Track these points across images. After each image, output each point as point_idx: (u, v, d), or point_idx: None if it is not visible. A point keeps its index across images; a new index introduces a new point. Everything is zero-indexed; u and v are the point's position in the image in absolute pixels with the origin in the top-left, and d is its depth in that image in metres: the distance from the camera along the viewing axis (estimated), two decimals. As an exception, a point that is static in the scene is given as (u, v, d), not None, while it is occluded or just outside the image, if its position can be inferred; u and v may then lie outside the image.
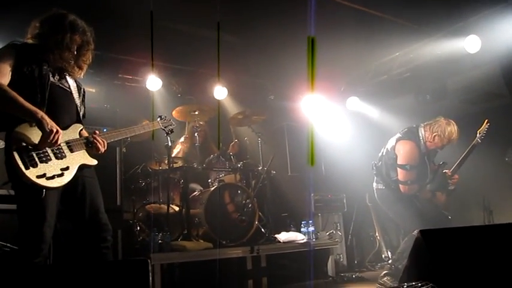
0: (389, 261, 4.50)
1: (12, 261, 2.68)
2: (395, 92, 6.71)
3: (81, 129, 2.68)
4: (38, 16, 2.68)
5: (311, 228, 5.04)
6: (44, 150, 2.39)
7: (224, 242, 4.57)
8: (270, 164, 5.32)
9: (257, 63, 6.23)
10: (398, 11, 5.04)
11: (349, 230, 6.13)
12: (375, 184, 4.50)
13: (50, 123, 2.37)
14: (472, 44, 5.29)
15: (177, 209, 4.93)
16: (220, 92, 6.30)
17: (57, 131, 2.38)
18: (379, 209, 5.13)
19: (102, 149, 2.65)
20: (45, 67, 2.57)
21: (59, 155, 2.45)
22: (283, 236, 4.88)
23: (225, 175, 5.27)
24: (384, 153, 4.42)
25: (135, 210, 4.84)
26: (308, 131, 6.39)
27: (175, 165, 5.07)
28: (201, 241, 4.57)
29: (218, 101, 6.30)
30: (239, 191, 5.01)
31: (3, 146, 2.41)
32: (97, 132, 2.70)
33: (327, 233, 5.35)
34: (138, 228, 4.75)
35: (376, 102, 6.84)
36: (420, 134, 4.29)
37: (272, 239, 4.90)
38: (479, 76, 5.86)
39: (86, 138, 2.62)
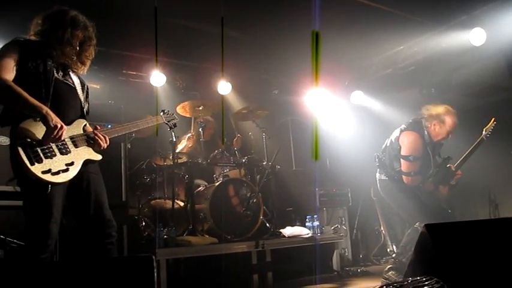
0: (394, 255, 4.50)
1: (19, 257, 2.70)
2: (400, 85, 6.69)
3: (85, 125, 2.69)
4: (40, 13, 2.69)
5: (316, 223, 5.04)
6: (49, 145, 2.40)
7: (229, 237, 4.59)
8: (275, 158, 5.32)
9: (261, 58, 6.22)
10: (403, 4, 5.01)
11: (354, 224, 6.13)
12: (377, 175, 4.49)
13: (54, 119, 2.37)
14: (477, 37, 5.26)
15: (182, 204, 4.95)
16: (224, 87, 6.30)
17: (61, 127, 2.38)
18: (384, 202, 5.13)
19: (104, 145, 2.65)
20: (49, 62, 2.57)
21: (64, 151, 2.45)
22: (288, 231, 4.89)
23: (229, 170, 5.27)
24: (388, 144, 4.41)
25: (140, 206, 4.86)
26: (312, 126, 6.39)
27: (179, 161, 5.08)
28: (206, 236, 4.59)
29: (222, 96, 6.30)
30: (244, 186, 5.01)
31: (8, 143, 2.42)
32: (98, 127, 2.71)
33: (332, 228, 5.35)
34: (144, 223, 4.77)
35: (381, 96, 6.81)
36: (424, 125, 4.28)
37: (277, 233, 4.91)
38: (484, 69, 5.83)
39: (87, 134, 2.62)
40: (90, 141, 2.62)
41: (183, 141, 5.77)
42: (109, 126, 2.83)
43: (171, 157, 4.89)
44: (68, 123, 2.54)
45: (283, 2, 4.93)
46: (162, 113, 3.35)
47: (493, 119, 4.38)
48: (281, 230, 4.92)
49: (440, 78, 6.22)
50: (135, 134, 4.98)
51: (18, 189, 3.16)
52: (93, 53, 2.81)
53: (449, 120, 4.21)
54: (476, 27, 5.24)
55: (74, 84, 2.73)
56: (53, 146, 2.42)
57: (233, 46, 5.42)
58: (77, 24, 2.68)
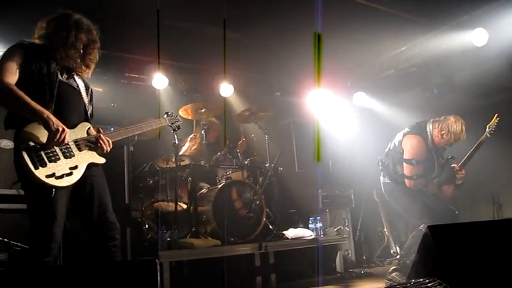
0: (398, 257, 4.50)
1: (23, 261, 2.71)
2: (402, 86, 6.68)
3: (89, 128, 2.69)
4: (44, 17, 2.70)
5: (319, 225, 5.04)
6: (53, 149, 2.40)
7: (232, 239, 4.59)
8: (277, 160, 5.32)
9: (263, 60, 6.22)
10: (404, 5, 5.01)
11: (357, 225, 6.12)
12: (381, 178, 4.50)
13: (56, 123, 2.37)
14: (479, 37, 5.25)
15: (185, 206, 4.95)
16: (226, 89, 6.30)
17: (63, 130, 2.39)
18: (387, 204, 5.12)
19: (107, 148, 2.66)
20: (53, 65, 2.58)
21: (68, 154, 2.46)
22: (291, 233, 4.89)
23: (232, 172, 5.27)
24: (391, 148, 4.41)
25: (143, 208, 4.87)
26: (315, 127, 6.38)
27: (182, 163, 5.09)
28: (209, 238, 4.59)
29: (224, 98, 6.31)
30: (247, 188, 5.01)
31: (11, 146, 2.43)
32: (101, 130, 2.71)
33: (335, 229, 5.34)
34: (147, 226, 4.78)
35: (383, 97, 6.80)
36: (428, 130, 4.27)
37: (280, 235, 4.91)
38: (486, 70, 5.81)
39: (90, 137, 2.62)
40: (94, 144, 2.62)
41: (186, 143, 5.78)
42: (111, 129, 2.83)
43: (173, 159, 4.90)
44: (72, 127, 2.55)
45: (285, 4, 4.93)
46: (165, 115, 3.35)
47: (496, 115, 4.37)
48: (284, 232, 4.92)
49: (442, 79, 6.20)
50: (137, 136, 4.98)
51: (21, 192, 3.18)
52: (97, 56, 2.82)
53: (457, 134, 4.19)
54: (478, 28, 5.23)
55: (78, 87, 2.73)
56: (57, 149, 2.43)
57: (235, 48, 5.43)
58: (81, 27, 2.69)
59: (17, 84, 2.41)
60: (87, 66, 2.80)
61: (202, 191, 5.15)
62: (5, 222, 3.63)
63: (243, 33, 5.61)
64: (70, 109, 2.62)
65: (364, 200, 6.19)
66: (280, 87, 7.04)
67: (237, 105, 6.56)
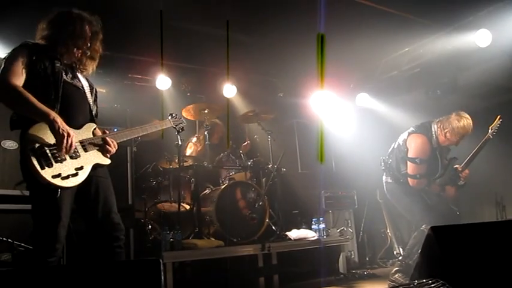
0: (400, 258, 4.49)
1: (27, 261, 2.71)
2: (405, 87, 6.67)
3: (95, 128, 2.69)
4: (43, 18, 2.70)
5: (322, 225, 5.04)
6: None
7: (235, 240, 4.59)
8: (280, 161, 5.32)
9: (266, 61, 6.23)
10: (408, 6, 5.00)
11: (360, 226, 6.12)
12: (384, 177, 4.50)
13: (61, 125, 2.37)
14: (482, 38, 5.24)
15: (188, 207, 4.96)
16: (229, 90, 6.31)
17: (68, 135, 2.38)
18: (390, 205, 5.12)
19: (113, 150, 2.66)
20: (57, 64, 2.58)
21: (73, 155, 2.45)
22: (294, 234, 4.89)
23: (235, 173, 5.28)
24: (395, 147, 4.41)
25: (147, 209, 4.88)
26: (318, 128, 6.38)
27: (185, 164, 5.10)
28: (212, 239, 4.60)
29: (227, 99, 6.32)
30: (250, 189, 5.02)
31: (15, 147, 2.44)
32: (107, 131, 2.72)
33: (338, 230, 5.33)
34: (150, 226, 4.78)
35: (386, 98, 6.80)
36: (433, 129, 4.26)
37: (283, 236, 4.91)
38: (490, 70, 5.80)
39: (96, 138, 2.63)
40: (100, 145, 2.63)
41: (190, 144, 5.79)
42: (115, 129, 2.84)
43: (177, 160, 4.91)
44: (78, 127, 2.55)
45: (288, 5, 4.93)
46: (170, 117, 3.34)
47: (498, 117, 4.36)
48: (287, 233, 4.92)
49: (446, 80, 6.19)
50: (141, 137, 4.98)
51: (25, 193, 3.19)
52: (100, 47, 2.81)
53: (461, 129, 4.18)
54: (482, 29, 5.22)
55: (82, 87, 2.73)
56: None
57: (238, 49, 5.44)
58: (84, 19, 2.71)
59: (23, 85, 2.42)
60: (93, 58, 2.80)
61: (206, 191, 5.15)
62: (8, 223, 3.64)
63: (247, 34, 5.62)
64: (75, 109, 2.62)
65: (367, 201, 6.18)
66: (283, 88, 7.04)
67: (240, 106, 6.57)
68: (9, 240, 3.44)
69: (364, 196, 6.18)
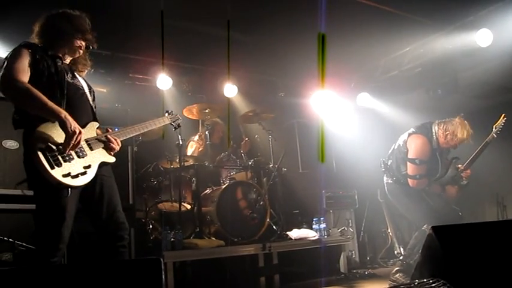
0: (401, 258, 4.49)
1: (29, 261, 2.71)
2: (406, 87, 6.67)
3: (98, 127, 2.69)
4: (36, 21, 2.70)
5: (323, 225, 5.04)
6: None
7: (236, 240, 4.59)
8: (281, 161, 5.32)
9: (267, 61, 6.23)
10: (408, 6, 5.00)
11: (361, 226, 6.12)
12: (385, 178, 4.50)
13: (73, 124, 2.36)
14: (483, 38, 5.24)
15: (189, 207, 4.96)
16: (230, 89, 6.31)
17: (79, 132, 2.38)
18: (391, 205, 5.12)
19: (117, 147, 2.67)
20: (59, 63, 2.59)
21: (81, 154, 2.45)
22: (294, 233, 4.89)
23: (236, 173, 5.27)
24: (395, 148, 4.41)
25: (147, 209, 4.88)
26: (318, 128, 6.39)
27: (186, 164, 5.10)
28: (213, 239, 4.60)
29: (228, 98, 6.32)
30: (250, 189, 5.02)
31: (16, 147, 2.43)
32: (109, 130, 2.72)
33: (339, 230, 5.34)
34: (151, 226, 4.79)
35: (387, 97, 6.80)
36: (433, 130, 4.25)
37: (284, 236, 4.91)
38: (491, 70, 5.80)
39: (100, 137, 2.63)
40: (104, 143, 2.63)
41: (191, 143, 5.79)
42: (116, 129, 2.84)
43: (177, 160, 4.91)
44: (82, 126, 2.54)
45: (289, 5, 4.93)
46: (166, 114, 3.36)
47: (503, 115, 4.34)
48: (288, 233, 4.92)
49: (446, 80, 6.18)
50: (141, 137, 5.00)
51: (26, 192, 3.19)
52: (95, 44, 2.81)
53: (462, 136, 4.18)
54: (483, 28, 5.22)
55: (82, 87, 2.74)
56: None
57: (239, 49, 5.44)
58: (79, 16, 2.73)
59: (28, 83, 2.41)
60: (87, 61, 2.83)
61: (206, 191, 5.15)
62: (9, 222, 3.63)
63: (247, 34, 5.62)
64: (79, 109, 2.61)
65: (368, 200, 6.19)
66: (284, 88, 7.04)
67: (241, 105, 6.57)
68: (10, 239, 3.44)
69: (365, 196, 6.18)
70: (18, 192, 3.63)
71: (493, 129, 4.30)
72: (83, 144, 2.49)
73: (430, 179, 4.25)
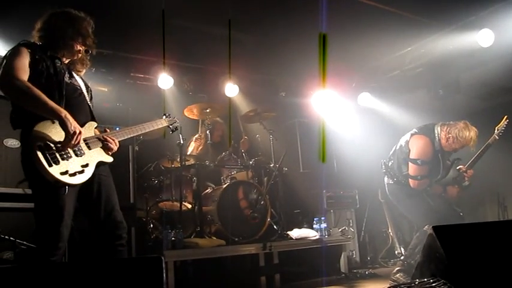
0: (402, 258, 4.49)
1: (30, 259, 2.72)
2: (408, 87, 6.67)
3: (96, 127, 2.71)
4: (39, 18, 2.70)
5: (323, 225, 5.04)
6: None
7: (236, 239, 4.60)
8: (282, 160, 5.32)
9: (268, 60, 6.23)
10: (410, 5, 4.99)
11: (361, 226, 6.12)
12: (386, 179, 4.50)
13: (73, 123, 2.38)
14: (485, 38, 5.24)
15: (189, 206, 4.96)
16: (231, 89, 6.31)
17: (79, 132, 2.40)
18: (391, 205, 5.12)
19: (115, 148, 2.67)
20: (58, 64, 2.59)
21: (78, 153, 2.46)
22: (295, 233, 4.89)
23: (237, 172, 5.28)
24: (397, 148, 4.40)
25: (148, 208, 4.88)
26: (319, 127, 6.38)
27: (187, 163, 5.10)
28: (214, 238, 4.60)
29: (229, 98, 6.32)
30: (251, 188, 5.02)
31: (17, 145, 2.43)
32: (107, 130, 2.73)
33: (340, 230, 5.34)
34: (151, 225, 4.79)
35: (388, 97, 6.79)
36: (436, 132, 4.24)
37: (284, 235, 4.91)
38: (493, 70, 5.79)
39: (98, 137, 2.64)
40: (102, 143, 2.63)
41: (191, 143, 5.79)
42: (117, 128, 2.85)
43: (178, 159, 4.91)
44: (80, 126, 2.55)
45: (290, 4, 4.93)
46: (164, 117, 3.37)
47: (505, 117, 4.33)
48: (288, 232, 4.92)
49: (448, 80, 6.18)
50: (142, 136, 5.00)
51: (27, 191, 3.19)
52: (94, 47, 2.82)
53: (464, 141, 4.17)
54: (484, 28, 5.22)
55: (80, 86, 2.75)
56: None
57: (240, 48, 5.44)
58: (83, 18, 2.73)
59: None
60: (88, 60, 2.83)
61: (207, 190, 5.16)
62: (11, 221, 3.64)
63: (248, 33, 5.62)
64: (77, 109, 2.61)
65: (369, 200, 6.18)
66: (285, 87, 7.04)
67: (242, 105, 6.57)
68: (12, 238, 3.45)
69: (366, 196, 6.18)
70: (19, 191, 3.64)
71: (495, 131, 4.29)
72: (81, 143, 2.50)
73: (431, 180, 4.25)
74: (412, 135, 4.29)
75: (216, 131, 5.74)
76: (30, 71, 2.45)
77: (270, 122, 5.74)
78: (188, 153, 5.55)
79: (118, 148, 2.71)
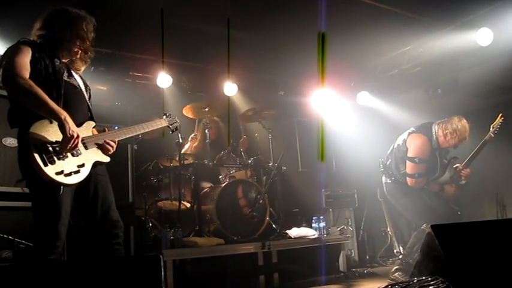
0: (401, 257, 4.50)
1: (27, 258, 2.72)
2: (406, 86, 6.67)
3: (94, 126, 2.71)
4: (39, 16, 2.69)
5: (322, 224, 5.04)
6: None
7: (235, 238, 4.60)
8: (281, 159, 5.32)
9: (267, 59, 6.23)
10: (408, 4, 4.99)
11: (360, 225, 6.12)
12: (383, 178, 4.52)
13: (72, 127, 2.37)
14: (483, 37, 5.23)
15: (188, 205, 4.96)
16: (230, 88, 6.31)
17: (77, 136, 2.39)
18: (390, 204, 5.12)
19: (112, 149, 2.67)
20: (57, 63, 2.59)
21: (75, 153, 2.46)
22: (294, 232, 4.89)
23: (235, 171, 5.28)
24: (395, 147, 4.42)
25: (147, 207, 4.88)
26: (318, 126, 6.38)
27: (186, 162, 5.10)
28: (213, 237, 4.60)
29: (228, 97, 6.32)
30: (250, 187, 5.02)
31: (16, 144, 2.43)
32: (106, 129, 2.72)
33: (338, 229, 5.34)
34: (150, 224, 4.79)
35: (387, 96, 6.80)
36: (433, 130, 4.27)
37: (283, 234, 4.91)
38: (491, 69, 5.79)
39: (96, 137, 2.64)
40: (99, 143, 2.63)
41: (189, 142, 5.79)
42: (116, 127, 2.84)
43: (177, 158, 4.91)
44: (78, 125, 2.54)
45: (289, 3, 4.93)
46: (164, 117, 3.36)
47: (500, 115, 4.35)
48: (287, 231, 4.92)
49: (446, 79, 6.18)
50: (141, 135, 5.00)
51: (26, 190, 3.19)
52: (92, 50, 2.82)
53: (460, 131, 4.18)
54: (483, 27, 5.22)
55: (79, 85, 2.74)
56: None
57: (239, 47, 5.44)
58: (83, 17, 2.72)
59: None
60: (88, 58, 2.82)
61: (206, 189, 5.15)
62: (9, 220, 3.64)
63: (247, 32, 5.61)
64: (75, 108, 2.61)
65: (368, 199, 6.18)
66: (284, 86, 7.03)
67: (241, 104, 6.57)
68: (10, 237, 3.45)
69: (365, 195, 6.18)
70: (17, 190, 3.63)
71: (490, 129, 4.31)
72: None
73: (428, 178, 4.26)
74: (409, 133, 4.31)
75: (211, 128, 5.72)
76: (30, 69, 2.45)
77: (268, 121, 5.74)
78: (182, 151, 5.53)
79: (116, 148, 2.71)
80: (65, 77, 2.63)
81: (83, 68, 2.86)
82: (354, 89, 6.98)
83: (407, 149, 4.26)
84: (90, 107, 2.78)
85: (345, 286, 4.52)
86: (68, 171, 2.38)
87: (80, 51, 2.72)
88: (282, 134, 6.00)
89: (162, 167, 5.13)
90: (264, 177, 5.40)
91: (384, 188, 4.52)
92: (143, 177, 5.05)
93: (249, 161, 5.30)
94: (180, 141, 4.78)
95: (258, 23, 5.31)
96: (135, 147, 4.75)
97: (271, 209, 5.06)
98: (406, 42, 5.97)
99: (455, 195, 4.39)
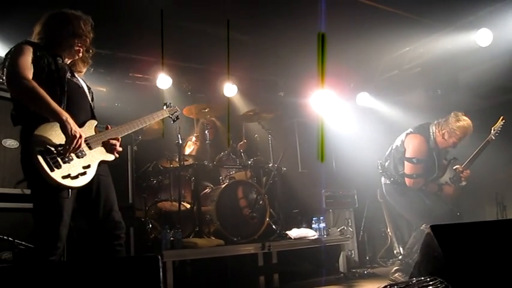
0: (400, 257, 4.50)
1: (28, 259, 2.72)
2: (406, 87, 6.67)
3: (96, 125, 2.69)
4: (37, 20, 2.70)
5: (322, 225, 5.04)
6: None
7: (235, 239, 4.60)
8: (281, 160, 5.32)
9: (267, 60, 6.23)
10: (408, 5, 5.00)
11: (360, 226, 6.11)
12: (382, 179, 4.53)
13: (74, 127, 2.37)
14: (483, 38, 5.24)
15: (188, 206, 4.96)
16: (230, 89, 6.31)
17: (80, 136, 2.39)
18: (390, 204, 5.13)
19: (118, 147, 2.68)
20: (59, 61, 2.60)
21: (80, 154, 2.45)
22: (294, 233, 4.89)
23: (235, 172, 5.28)
24: (393, 148, 4.43)
25: (147, 208, 4.88)
26: (318, 127, 6.38)
27: (186, 163, 5.10)
28: (213, 238, 4.60)
29: (228, 98, 6.32)
30: (250, 188, 5.02)
31: (16, 146, 2.43)
32: (109, 127, 2.72)
33: (338, 229, 5.34)
34: (150, 225, 4.79)
35: (387, 97, 6.80)
36: (431, 131, 4.29)
37: (283, 235, 4.91)
38: (491, 70, 5.80)
39: (99, 136, 2.64)
40: (103, 142, 2.63)
41: (189, 142, 5.79)
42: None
43: (177, 159, 4.91)
44: (81, 125, 2.54)
45: (289, 4, 4.93)
46: (165, 107, 3.34)
47: (501, 118, 4.36)
48: (287, 232, 4.92)
49: (446, 80, 6.19)
50: (141, 136, 5.01)
51: (26, 191, 3.19)
52: (91, 47, 2.82)
53: (461, 132, 4.18)
54: (483, 28, 5.22)
55: (82, 86, 2.75)
56: None
57: (239, 48, 5.44)
58: (81, 18, 2.72)
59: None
60: (87, 59, 2.83)
61: (206, 190, 5.15)
62: (9, 221, 3.63)
63: (247, 33, 5.62)
64: (78, 107, 2.62)
65: (368, 200, 6.18)
66: (284, 87, 7.04)
67: (241, 105, 6.57)
68: (10, 238, 3.44)
69: (365, 195, 6.18)
70: (17, 191, 3.63)
71: (492, 131, 4.31)
72: (82, 144, 2.49)
73: (426, 179, 4.27)
74: (407, 134, 4.33)
75: (209, 129, 5.73)
76: (33, 68, 2.46)
77: (268, 121, 5.74)
78: (186, 153, 5.55)
79: (120, 144, 2.71)
80: (68, 75, 2.63)
81: (84, 70, 2.87)
82: (353, 90, 6.99)
83: (405, 149, 4.27)
84: (93, 107, 2.78)
85: (345, 287, 4.51)
86: (75, 174, 2.38)
87: (81, 50, 2.72)
88: (282, 135, 6.00)
89: (162, 168, 5.14)
90: (264, 178, 5.40)
91: (383, 188, 4.53)
92: (143, 178, 5.05)
93: (249, 162, 5.30)
94: (180, 142, 4.79)
95: (258, 24, 5.32)
96: (135, 148, 4.74)
97: (271, 210, 5.06)
98: (406, 43, 5.98)
99: (454, 195, 4.39)
